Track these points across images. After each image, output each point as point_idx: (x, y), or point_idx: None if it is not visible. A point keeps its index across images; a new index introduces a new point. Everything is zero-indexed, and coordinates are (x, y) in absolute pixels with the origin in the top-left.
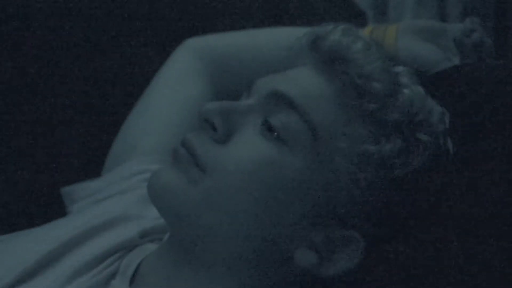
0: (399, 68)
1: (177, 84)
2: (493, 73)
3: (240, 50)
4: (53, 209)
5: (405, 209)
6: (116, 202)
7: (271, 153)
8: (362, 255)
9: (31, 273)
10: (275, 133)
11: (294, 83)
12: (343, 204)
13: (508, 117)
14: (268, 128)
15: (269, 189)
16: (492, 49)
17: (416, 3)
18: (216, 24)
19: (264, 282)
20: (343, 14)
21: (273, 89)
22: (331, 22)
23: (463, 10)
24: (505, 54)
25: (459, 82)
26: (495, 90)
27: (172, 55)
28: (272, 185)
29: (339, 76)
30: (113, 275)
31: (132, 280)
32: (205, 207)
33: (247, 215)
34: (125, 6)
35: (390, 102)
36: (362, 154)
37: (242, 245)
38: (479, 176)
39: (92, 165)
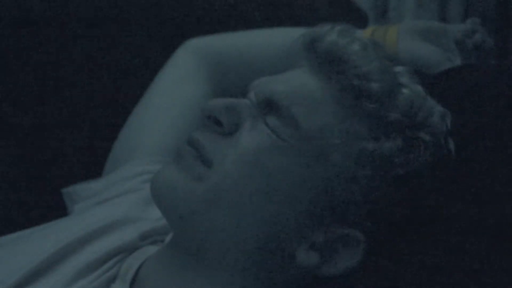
0: (398, 68)
1: (178, 85)
2: (494, 74)
3: (240, 51)
4: (53, 209)
5: (406, 208)
6: (117, 204)
7: (271, 146)
8: (363, 254)
9: (33, 276)
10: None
11: (285, 86)
12: (343, 202)
13: (509, 117)
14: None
15: (273, 179)
16: (493, 50)
17: (416, 4)
18: (217, 25)
19: (266, 283)
20: (343, 15)
21: (262, 93)
22: (329, 23)
23: (464, 11)
24: (506, 55)
25: (460, 83)
26: (496, 91)
27: (173, 56)
28: (276, 175)
29: (336, 77)
30: (113, 279)
31: (132, 284)
32: (209, 205)
33: (251, 210)
34: (126, 7)
35: (389, 102)
36: (360, 151)
37: (245, 245)
38: (480, 176)
39: (93, 165)
